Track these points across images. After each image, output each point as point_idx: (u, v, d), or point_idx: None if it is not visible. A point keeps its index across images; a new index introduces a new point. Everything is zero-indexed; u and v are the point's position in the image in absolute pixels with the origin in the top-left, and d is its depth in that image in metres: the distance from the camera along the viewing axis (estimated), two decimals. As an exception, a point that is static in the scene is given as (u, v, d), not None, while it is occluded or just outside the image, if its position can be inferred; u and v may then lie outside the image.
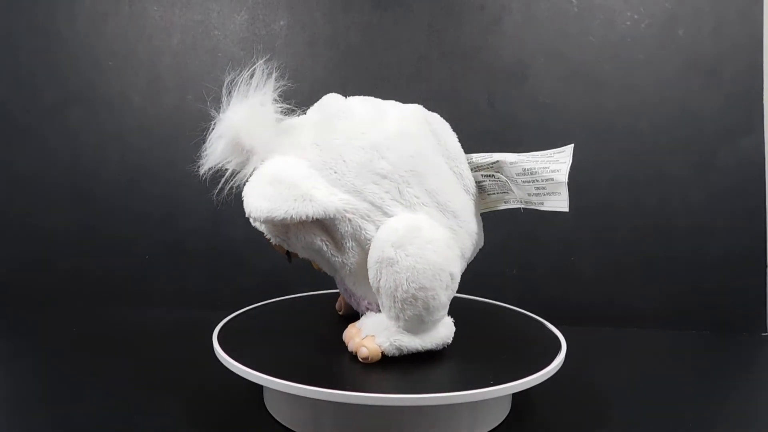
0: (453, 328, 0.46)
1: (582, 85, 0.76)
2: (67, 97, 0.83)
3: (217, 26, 0.82)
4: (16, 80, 0.84)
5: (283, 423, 0.46)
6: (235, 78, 0.47)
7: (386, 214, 0.43)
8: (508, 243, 0.77)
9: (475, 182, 0.48)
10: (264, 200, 0.42)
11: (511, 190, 0.47)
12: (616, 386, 0.55)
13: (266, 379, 0.40)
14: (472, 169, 0.48)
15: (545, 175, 0.44)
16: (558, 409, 0.50)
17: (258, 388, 0.50)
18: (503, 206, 0.50)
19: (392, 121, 0.46)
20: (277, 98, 0.47)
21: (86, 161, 0.84)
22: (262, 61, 0.48)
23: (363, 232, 0.44)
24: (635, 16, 0.75)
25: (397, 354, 0.44)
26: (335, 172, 0.44)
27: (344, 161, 0.44)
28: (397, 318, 0.43)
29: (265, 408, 0.48)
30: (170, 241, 0.82)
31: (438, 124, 0.47)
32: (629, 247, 0.76)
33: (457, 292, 0.56)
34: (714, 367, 0.61)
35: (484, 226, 0.51)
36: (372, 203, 0.43)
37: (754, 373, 0.62)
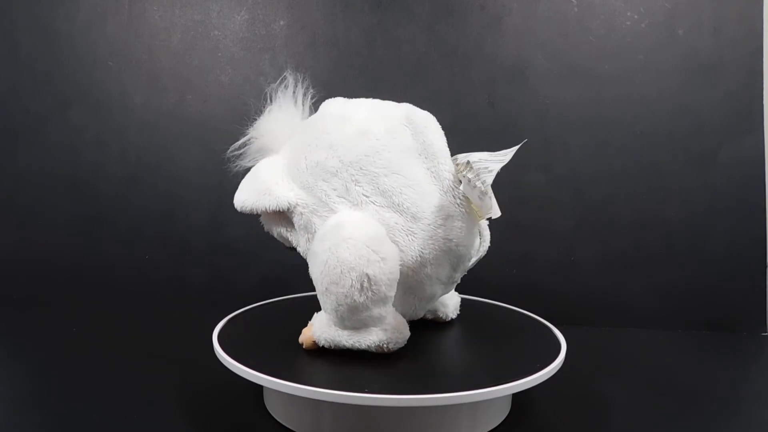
0: (398, 335, 0.44)
1: (582, 85, 0.76)
2: (67, 97, 0.83)
3: (217, 26, 0.82)
4: (17, 80, 0.84)
5: (283, 423, 0.46)
6: (274, 86, 0.51)
7: (332, 210, 0.45)
8: (508, 243, 0.77)
9: (462, 184, 0.45)
10: (242, 192, 0.49)
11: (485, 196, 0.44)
12: (615, 386, 0.55)
13: (266, 379, 0.41)
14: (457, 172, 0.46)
15: (482, 177, 0.42)
16: (558, 409, 0.50)
17: (258, 388, 0.50)
18: (489, 215, 0.44)
19: (357, 121, 0.46)
20: (304, 104, 0.52)
21: (86, 161, 0.84)
22: (288, 72, 0.51)
23: (313, 225, 0.46)
24: (635, 16, 0.75)
25: (326, 345, 0.45)
26: (297, 170, 0.47)
27: (305, 159, 0.47)
28: (324, 309, 0.45)
29: (265, 408, 0.48)
30: (171, 240, 0.82)
31: (420, 124, 0.46)
32: (629, 247, 0.76)
33: (458, 292, 0.57)
34: (714, 367, 0.61)
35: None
36: (319, 199, 0.46)
37: (754, 373, 0.62)
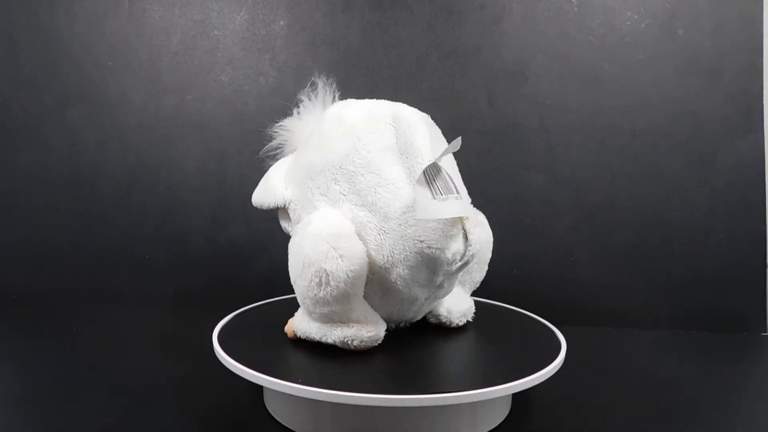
0: (364, 333, 0.44)
1: (582, 85, 0.76)
2: (67, 97, 0.84)
3: (217, 26, 0.82)
4: (16, 80, 0.84)
5: (283, 423, 0.46)
6: (304, 90, 0.53)
7: (315, 207, 0.47)
8: (508, 243, 0.77)
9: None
10: (256, 190, 0.52)
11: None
12: (615, 386, 0.55)
13: (266, 379, 0.40)
14: None
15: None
16: (558, 409, 0.50)
17: (258, 388, 0.50)
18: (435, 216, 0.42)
19: (346, 121, 0.47)
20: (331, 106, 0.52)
21: (86, 161, 0.84)
22: (316, 75, 0.52)
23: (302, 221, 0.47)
24: (635, 16, 0.75)
25: (302, 337, 0.47)
26: (296, 168, 0.50)
27: (303, 158, 0.49)
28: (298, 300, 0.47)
29: (265, 408, 0.48)
30: (170, 240, 0.82)
31: (404, 122, 0.45)
32: (629, 247, 0.76)
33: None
34: (714, 367, 0.61)
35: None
36: (306, 196, 0.48)
37: (754, 373, 0.62)
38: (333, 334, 0.45)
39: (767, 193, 0.74)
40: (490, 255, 0.54)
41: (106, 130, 0.83)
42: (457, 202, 0.42)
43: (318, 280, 0.42)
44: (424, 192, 0.41)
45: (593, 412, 0.49)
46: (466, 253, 0.43)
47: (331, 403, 0.39)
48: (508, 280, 0.77)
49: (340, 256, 0.42)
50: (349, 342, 0.45)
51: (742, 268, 0.74)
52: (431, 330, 0.52)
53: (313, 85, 0.52)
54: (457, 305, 0.53)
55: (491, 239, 0.53)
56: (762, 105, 0.74)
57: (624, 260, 0.76)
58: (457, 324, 0.53)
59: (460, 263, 0.43)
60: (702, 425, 0.48)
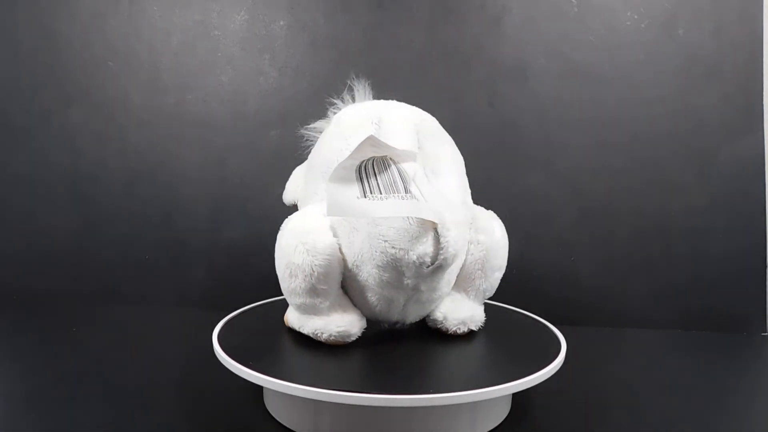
0: (334, 328, 0.45)
1: (582, 85, 0.76)
2: (67, 97, 0.83)
3: (217, 26, 0.82)
4: (16, 80, 0.84)
5: (283, 423, 0.46)
6: (343, 94, 0.53)
7: (308, 205, 0.49)
8: (508, 243, 0.76)
9: None
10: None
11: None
12: (616, 386, 0.55)
13: (266, 379, 0.40)
14: None
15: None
16: (558, 409, 0.50)
17: (258, 388, 0.50)
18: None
19: (341, 122, 0.49)
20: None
21: (86, 161, 0.84)
22: (352, 78, 0.53)
23: None
24: (635, 16, 0.75)
25: (290, 326, 0.50)
26: (306, 169, 0.52)
27: (311, 159, 0.51)
28: None
29: (265, 408, 0.48)
30: (170, 241, 0.82)
31: (387, 122, 0.46)
32: (629, 246, 0.76)
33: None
34: (714, 367, 0.61)
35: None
36: (306, 194, 0.50)
37: (754, 373, 0.62)
38: (307, 326, 0.47)
39: (767, 193, 0.74)
40: (499, 262, 0.50)
41: (106, 130, 0.83)
42: (401, 202, 0.41)
43: (289, 271, 0.44)
44: (345, 189, 0.42)
45: (593, 412, 0.49)
46: (439, 257, 0.41)
47: (331, 403, 0.39)
48: (507, 280, 0.77)
49: (306, 250, 0.44)
50: (319, 334, 0.46)
51: (742, 268, 0.74)
52: (431, 331, 0.52)
53: (350, 88, 0.53)
54: (454, 312, 0.50)
55: (502, 244, 0.50)
56: (762, 105, 0.74)
57: (624, 260, 0.76)
58: (455, 331, 0.50)
59: (431, 267, 0.42)
60: (702, 425, 0.48)
